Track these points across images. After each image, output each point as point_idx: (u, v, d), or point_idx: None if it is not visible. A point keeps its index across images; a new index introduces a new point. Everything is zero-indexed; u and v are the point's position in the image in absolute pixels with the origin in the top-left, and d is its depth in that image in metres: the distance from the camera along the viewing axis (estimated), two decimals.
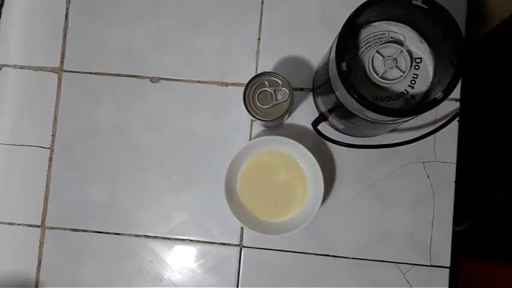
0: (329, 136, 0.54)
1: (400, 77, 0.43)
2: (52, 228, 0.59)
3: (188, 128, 0.59)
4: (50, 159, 0.59)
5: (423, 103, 0.43)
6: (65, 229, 0.58)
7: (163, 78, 0.59)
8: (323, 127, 0.56)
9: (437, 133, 0.54)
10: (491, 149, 0.67)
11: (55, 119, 0.60)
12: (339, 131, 0.56)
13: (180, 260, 0.58)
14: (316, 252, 0.57)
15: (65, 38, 0.60)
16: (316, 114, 0.56)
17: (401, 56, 0.43)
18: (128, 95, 0.59)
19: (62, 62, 0.60)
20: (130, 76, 0.59)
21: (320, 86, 0.52)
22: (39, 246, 0.58)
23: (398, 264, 0.56)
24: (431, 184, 0.56)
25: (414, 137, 0.53)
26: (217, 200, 0.56)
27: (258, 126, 0.58)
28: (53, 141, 0.59)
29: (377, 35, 0.45)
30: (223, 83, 0.59)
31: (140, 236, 0.58)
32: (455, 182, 0.56)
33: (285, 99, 0.49)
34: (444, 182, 0.56)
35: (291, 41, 0.58)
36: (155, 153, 0.59)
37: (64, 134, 0.59)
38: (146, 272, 0.58)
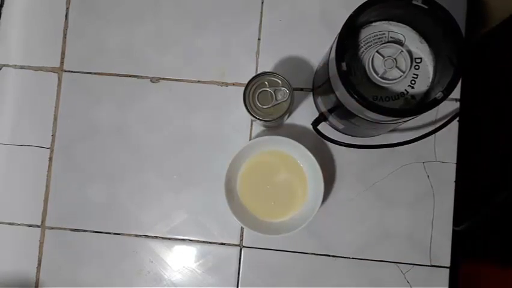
0: (329, 136, 0.54)
1: (400, 77, 0.43)
2: (52, 228, 0.59)
3: (188, 128, 0.59)
4: (50, 159, 0.59)
5: (423, 103, 0.44)
6: (65, 229, 0.58)
7: (163, 78, 0.59)
8: (323, 127, 0.56)
9: (437, 133, 0.54)
10: (491, 149, 0.67)
11: (55, 119, 0.60)
12: (339, 131, 0.56)
13: (180, 260, 0.58)
14: (316, 252, 0.57)
15: (65, 38, 0.60)
16: (316, 114, 0.56)
17: (401, 56, 0.43)
18: (128, 95, 0.59)
19: (62, 62, 0.60)
20: (130, 76, 0.59)
21: (320, 86, 0.52)
22: (39, 246, 0.58)
23: (398, 264, 0.56)
24: (431, 184, 0.56)
25: (414, 137, 0.53)
26: (217, 200, 0.56)
27: (258, 126, 0.58)
28: (53, 141, 0.59)
29: (377, 35, 0.45)
30: (223, 83, 0.59)
31: (140, 236, 0.58)
32: (455, 182, 0.56)
33: (285, 99, 0.49)
34: (444, 182, 0.56)
35: (291, 41, 0.58)
36: (155, 153, 0.59)
37: (64, 134, 0.59)
38: (146, 272, 0.58)
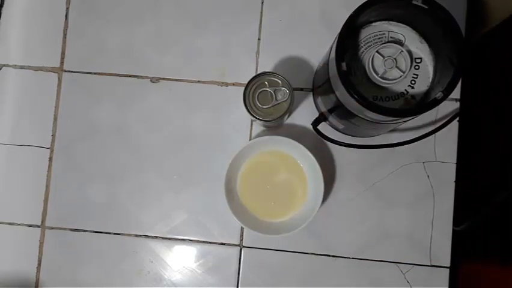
0: (329, 136, 0.54)
1: (400, 77, 0.43)
2: (52, 228, 0.59)
3: (188, 128, 0.59)
4: (50, 159, 0.59)
5: (423, 103, 0.43)
6: (65, 229, 0.58)
7: (163, 78, 0.59)
8: (323, 127, 0.56)
9: (437, 133, 0.54)
10: (491, 149, 0.67)
11: (55, 119, 0.60)
12: (339, 131, 0.56)
13: (180, 260, 0.58)
14: (316, 252, 0.57)
15: (65, 38, 0.60)
16: (316, 114, 0.56)
17: (401, 56, 0.43)
18: (128, 95, 0.59)
19: (62, 62, 0.60)
20: (130, 76, 0.59)
21: (320, 86, 0.52)
22: (39, 246, 0.58)
23: (398, 264, 0.56)
24: (431, 184, 0.56)
25: (414, 137, 0.53)
26: (217, 200, 0.56)
27: (258, 126, 0.58)
28: (53, 141, 0.59)
29: (377, 35, 0.45)
30: (223, 83, 0.59)
31: (140, 236, 0.58)
32: (455, 182, 0.56)
33: (285, 99, 0.49)
34: (444, 182, 0.56)
35: (291, 41, 0.58)
36: (155, 153, 0.59)
37: (64, 134, 0.59)
38: (146, 272, 0.58)
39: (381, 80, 0.43)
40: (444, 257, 0.56)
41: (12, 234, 0.59)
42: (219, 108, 0.58)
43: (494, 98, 0.66)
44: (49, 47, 0.60)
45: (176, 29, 0.60)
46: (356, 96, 0.40)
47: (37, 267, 0.58)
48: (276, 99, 0.49)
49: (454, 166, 0.56)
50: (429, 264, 0.56)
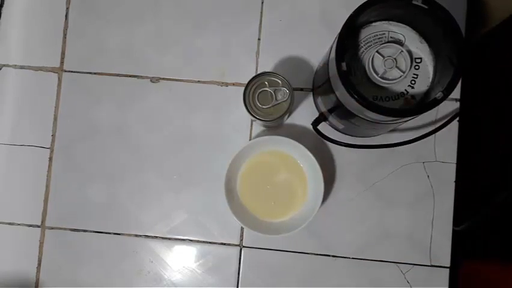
0: (329, 136, 0.54)
1: (400, 77, 0.43)
2: (52, 228, 0.59)
3: (188, 128, 0.59)
4: (50, 159, 0.59)
5: (423, 103, 0.43)
6: (65, 229, 0.58)
7: (163, 78, 0.59)
8: (323, 127, 0.56)
9: (437, 133, 0.54)
10: (491, 149, 0.67)
11: (55, 119, 0.60)
12: (339, 131, 0.56)
13: (180, 260, 0.58)
14: (316, 252, 0.57)
15: (65, 38, 0.60)
16: (316, 114, 0.56)
17: (401, 56, 0.43)
18: (128, 95, 0.59)
19: (62, 62, 0.60)
20: (130, 76, 0.59)
21: (320, 86, 0.52)
22: (39, 246, 0.58)
23: (398, 264, 0.56)
24: (431, 184, 0.56)
25: (414, 137, 0.53)
26: (217, 200, 0.56)
27: (258, 126, 0.58)
28: (53, 141, 0.59)
29: (377, 35, 0.45)
30: (223, 83, 0.59)
31: (140, 236, 0.58)
32: (455, 182, 0.56)
33: (285, 99, 0.49)
34: (444, 182, 0.56)
35: (291, 41, 0.58)
36: (155, 153, 0.59)
37: (64, 134, 0.59)
38: (146, 272, 0.58)
39: (381, 80, 0.43)
40: (444, 257, 0.56)
41: (12, 234, 0.59)
42: (219, 108, 0.58)
43: (494, 98, 0.66)
44: (49, 47, 0.60)
45: (176, 29, 0.60)
46: (356, 96, 0.40)
47: (37, 267, 0.58)
48: (276, 99, 0.49)
49: (454, 166, 0.56)
50: (429, 264, 0.56)
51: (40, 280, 0.58)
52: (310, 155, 0.51)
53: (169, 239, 0.58)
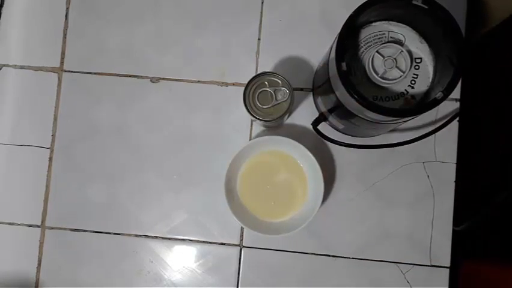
0: (329, 136, 0.54)
1: (400, 77, 0.43)
2: (52, 228, 0.59)
3: (188, 128, 0.59)
4: (50, 159, 0.59)
5: (423, 103, 0.43)
6: (65, 229, 0.58)
7: (163, 78, 0.59)
8: (323, 127, 0.56)
9: (437, 133, 0.54)
10: (491, 149, 0.67)
11: (55, 119, 0.60)
12: (339, 131, 0.56)
13: (180, 260, 0.58)
14: (316, 252, 0.57)
15: (65, 38, 0.60)
16: (316, 114, 0.56)
17: (401, 56, 0.43)
18: (128, 95, 0.59)
19: (62, 62, 0.60)
20: (130, 76, 0.59)
21: (320, 86, 0.52)
22: (39, 246, 0.58)
23: (398, 264, 0.56)
24: (431, 184, 0.56)
25: (414, 137, 0.53)
26: (217, 200, 0.56)
27: (258, 126, 0.58)
28: (53, 141, 0.59)
29: (377, 35, 0.45)
30: (223, 83, 0.59)
31: (140, 236, 0.58)
32: (455, 182, 0.56)
33: (285, 99, 0.49)
34: (444, 182, 0.56)
35: (291, 41, 0.58)
36: (155, 153, 0.59)
37: (64, 134, 0.59)
38: (146, 272, 0.58)
39: (381, 80, 0.43)
40: (445, 257, 0.56)
41: (12, 234, 0.59)
42: (219, 108, 0.58)
43: (494, 98, 0.66)
44: (49, 47, 0.60)
45: (176, 29, 0.60)
46: (356, 96, 0.40)
47: (37, 267, 0.58)
48: (276, 99, 0.49)
49: (454, 166, 0.56)
50: (429, 264, 0.56)
51: (40, 280, 0.58)
52: (310, 155, 0.51)
53: (169, 239, 0.58)
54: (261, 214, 0.55)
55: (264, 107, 0.49)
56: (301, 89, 0.58)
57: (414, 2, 0.40)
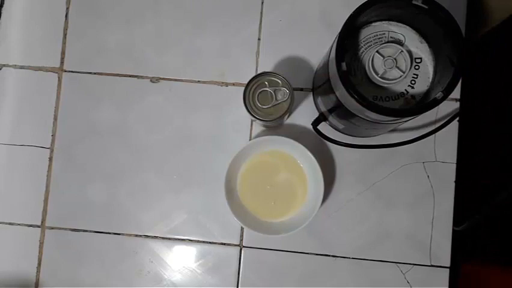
0: (329, 136, 0.54)
1: (400, 77, 0.43)
2: (52, 228, 0.59)
3: (189, 128, 0.59)
4: (50, 159, 0.59)
5: (423, 103, 0.43)
6: (65, 229, 0.58)
7: (163, 78, 0.59)
8: (323, 127, 0.56)
9: (437, 133, 0.54)
10: (491, 149, 0.67)
11: (55, 119, 0.60)
12: (339, 131, 0.56)
13: (180, 260, 0.58)
14: (316, 252, 0.57)
15: (65, 38, 0.60)
16: (317, 114, 0.56)
17: (401, 56, 0.43)
18: (128, 95, 0.59)
19: (62, 62, 0.60)
20: (130, 76, 0.59)
21: (320, 86, 0.52)
22: (39, 246, 0.58)
23: (398, 264, 0.56)
24: (431, 184, 0.56)
25: (414, 137, 0.53)
26: (217, 200, 0.56)
27: (258, 126, 0.58)
28: (53, 141, 0.59)
29: (377, 35, 0.45)
30: (223, 83, 0.59)
31: (140, 236, 0.58)
32: (455, 182, 0.56)
33: (285, 99, 0.49)
34: (445, 182, 0.56)
35: (291, 41, 0.58)
36: (155, 153, 0.59)
37: (64, 134, 0.59)
38: (146, 272, 0.58)
39: (381, 80, 0.43)
40: (445, 257, 0.56)
41: (12, 234, 0.59)
42: (219, 108, 0.58)
43: (494, 98, 0.66)
44: (49, 47, 0.60)
45: (176, 29, 0.60)
46: (356, 96, 0.40)
47: (37, 267, 0.58)
48: (276, 99, 0.49)
49: (454, 166, 0.56)
50: (429, 264, 0.56)
51: (40, 280, 0.58)
52: (311, 155, 0.51)
53: (169, 239, 0.58)
54: (261, 214, 0.55)
55: (264, 107, 0.49)
56: (301, 89, 0.58)
57: (414, 2, 0.40)
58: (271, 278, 0.56)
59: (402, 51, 0.43)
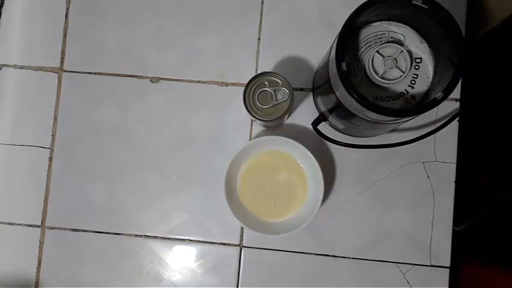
0: (329, 136, 0.54)
1: (400, 77, 0.43)
2: (52, 228, 0.59)
3: (188, 128, 0.59)
4: (50, 159, 0.59)
5: (423, 103, 0.43)
6: (65, 229, 0.58)
7: (163, 78, 0.59)
8: (323, 127, 0.56)
9: (437, 133, 0.54)
10: (491, 149, 0.67)
11: (55, 119, 0.60)
12: (339, 131, 0.56)
13: (180, 260, 0.58)
14: (316, 252, 0.57)
15: (65, 38, 0.60)
16: (317, 114, 0.56)
17: (401, 56, 0.43)
18: (128, 95, 0.59)
19: (62, 62, 0.60)
20: (130, 76, 0.59)
21: (320, 86, 0.52)
22: (39, 246, 0.58)
23: (398, 264, 0.56)
24: (431, 184, 0.56)
25: (414, 137, 0.53)
26: (217, 200, 0.56)
27: (258, 126, 0.58)
28: (53, 141, 0.59)
29: (377, 35, 0.45)
30: (223, 83, 0.59)
31: (140, 236, 0.58)
32: (455, 182, 0.56)
33: (285, 99, 0.49)
34: (445, 182, 0.56)
35: (291, 41, 0.58)
36: (155, 153, 0.59)
37: (64, 134, 0.59)
38: (146, 272, 0.58)
39: (381, 80, 0.43)
40: (445, 257, 0.56)
41: (12, 234, 0.59)
42: (219, 108, 0.58)
43: (494, 98, 0.66)
44: (49, 47, 0.60)
45: (176, 29, 0.60)
46: (356, 96, 0.40)
47: (37, 267, 0.58)
48: (276, 99, 0.49)
49: (454, 166, 0.56)
50: (429, 264, 0.56)
51: (40, 280, 0.58)
52: (311, 155, 0.51)
53: (169, 239, 0.58)
54: (261, 214, 0.55)
55: (264, 107, 0.49)
56: (301, 89, 0.58)
57: (414, 2, 0.40)
58: (271, 278, 0.56)
59: (402, 51, 0.43)
